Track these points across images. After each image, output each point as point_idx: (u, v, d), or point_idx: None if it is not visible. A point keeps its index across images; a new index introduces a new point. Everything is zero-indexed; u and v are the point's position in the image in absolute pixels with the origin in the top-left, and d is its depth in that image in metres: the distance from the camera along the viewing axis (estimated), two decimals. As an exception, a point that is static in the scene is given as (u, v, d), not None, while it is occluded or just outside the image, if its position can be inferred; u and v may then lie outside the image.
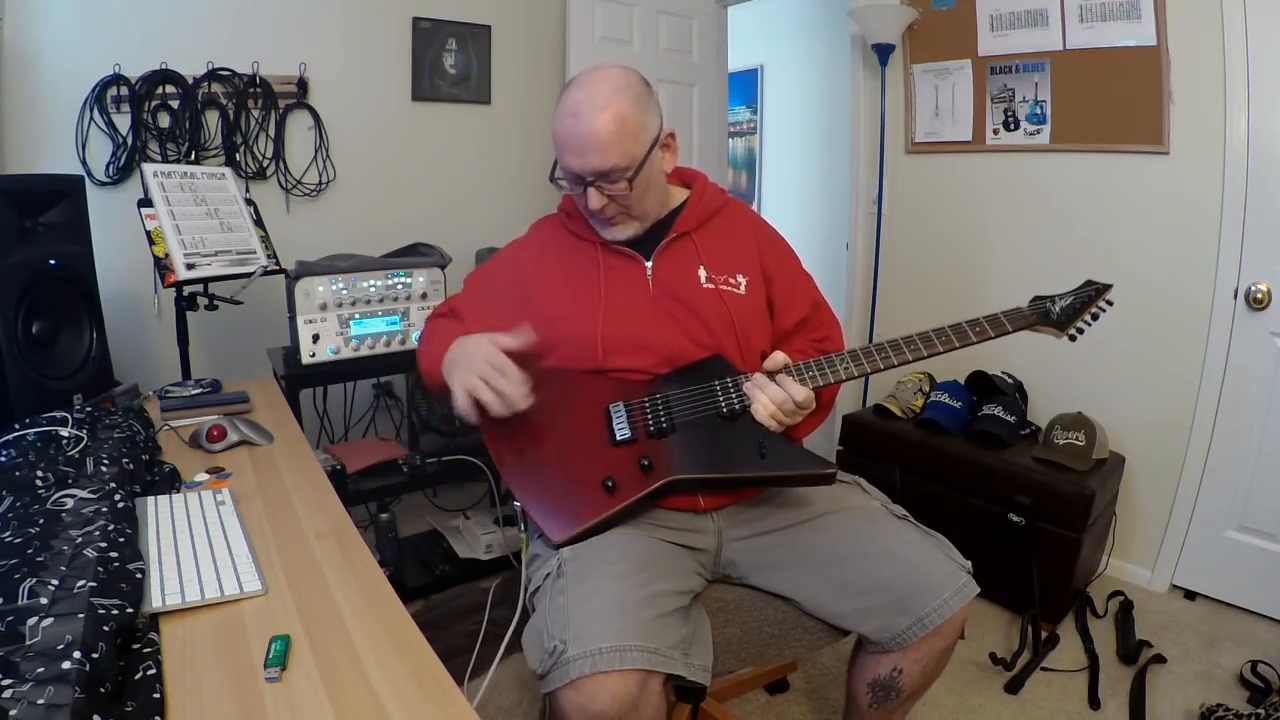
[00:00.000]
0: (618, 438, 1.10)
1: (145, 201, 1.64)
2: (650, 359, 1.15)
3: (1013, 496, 1.96)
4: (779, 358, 1.09)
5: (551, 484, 1.12)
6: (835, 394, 1.22)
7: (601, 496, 1.07)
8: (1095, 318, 1.11)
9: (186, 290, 1.68)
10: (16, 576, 0.69)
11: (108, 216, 1.81)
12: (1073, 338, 1.11)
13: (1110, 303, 1.11)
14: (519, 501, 1.14)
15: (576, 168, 1.09)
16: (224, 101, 2.28)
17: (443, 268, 2.10)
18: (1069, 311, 1.10)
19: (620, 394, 1.14)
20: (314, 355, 1.90)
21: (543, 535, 1.11)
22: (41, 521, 0.82)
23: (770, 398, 1.06)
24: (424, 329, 1.32)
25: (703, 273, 1.19)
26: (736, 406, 1.09)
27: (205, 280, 1.68)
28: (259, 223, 1.87)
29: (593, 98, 1.07)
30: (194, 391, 1.52)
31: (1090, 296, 1.11)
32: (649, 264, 1.19)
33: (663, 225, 1.22)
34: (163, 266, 1.61)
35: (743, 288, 1.20)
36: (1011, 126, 2.32)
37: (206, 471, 1.14)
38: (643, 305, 1.17)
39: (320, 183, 2.49)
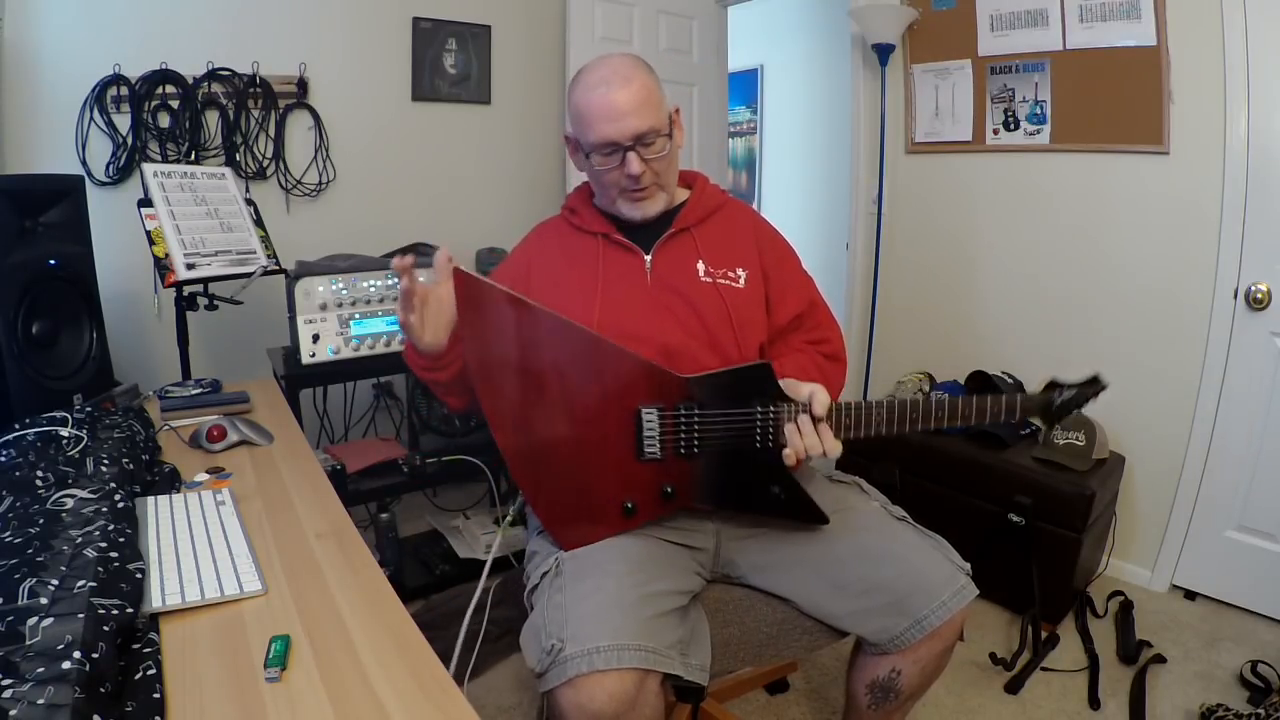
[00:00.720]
0: (645, 454, 1.06)
1: (145, 201, 1.64)
2: (645, 351, 1.15)
3: (1013, 496, 1.96)
4: (824, 400, 1.02)
5: (569, 491, 1.08)
6: (838, 394, 1.23)
7: (619, 519, 1.07)
8: (1080, 407, 1.10)
9: (186, 290, 1.68)
10: (16, 576, 0.69)
11: (108, 216, 1.81)
12: (1050, 426, 1.08)
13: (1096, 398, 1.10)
14: (527, 501, 1.12)
15: (614, 135, 1.10)
16: (224, 101, 2.28)
17: (443, 268, 2.10)
18: (1066, 406, 1.08)
19: (654, 394, 1.05)
20: (314, 355, 1.90)
21: (545, 533, 1.11)
22: (41, 521, 0.82)
23: (807, 448, 1.02)
24: None
25: (701, 266, 1.20)
26: (770, 444, 1.05)
27: (205, 280, 1.68)
28: (259, 223, 1.87)
29: (616, 71, 1.11)
30: (194, 391, 1.52)
31: (1087, 397, 1.09)
32: (648, 257, 1.20)
33: (664, 220, 1.22)
34: (163, 266, 1.61)
35: (742, 281, 1.20)
36: (1011, 126, 2.32)
37: (206, 471, 1.15)
38: (640, 297, 1.18)
39: (320, 183, 2.49)
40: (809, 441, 1.02)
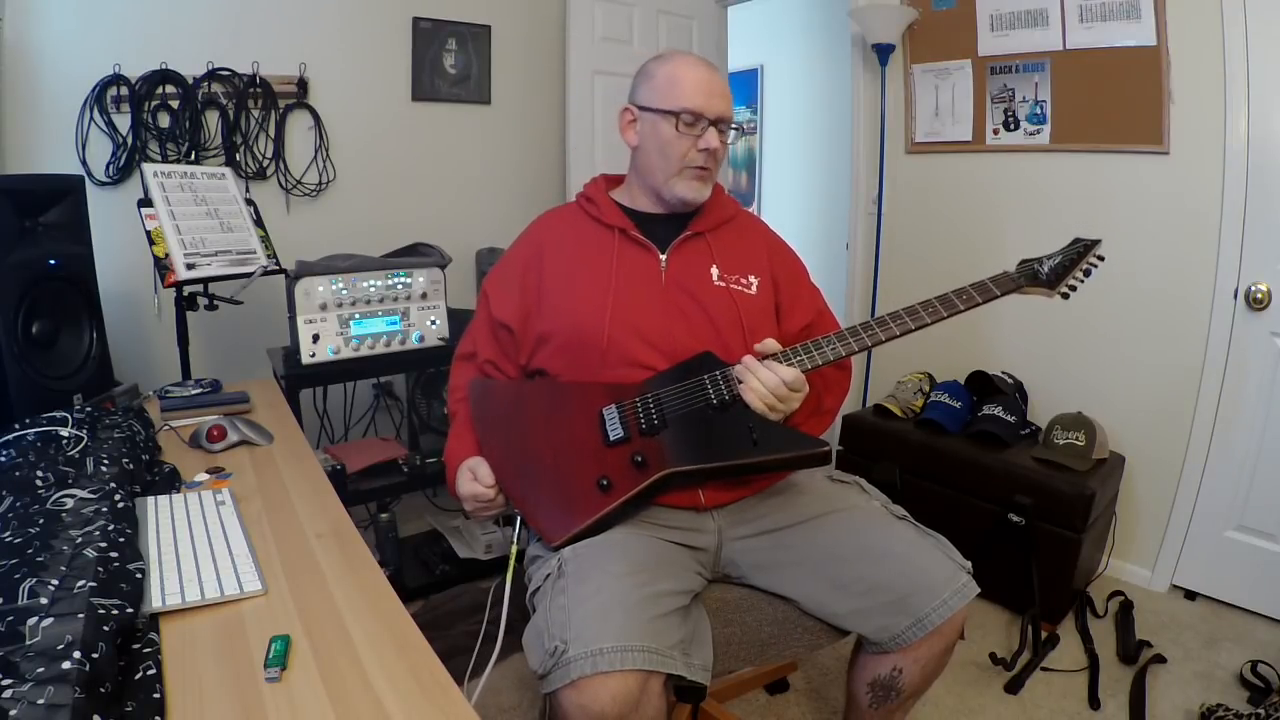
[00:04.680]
0: (611, 438, 1.11)
1: (145, 201, 1.64)
2: (652, 353, 1.15)
3: (1013, 496, 1.96)
4: (770, 342, 1.10)
5: (547, 488, 1.12)
6: (841, 400, 1.26)
7: (597, 496, 1.08)
8: (1087, 274, 1.10)
9: (186, 290, 1.68)
10: (16, 576, 0.69)
11: (108, 216, 1.81)
12: (1065, 295, 1.10)
13: (1101, 258, 1.10)
14: (517, 510, 1.14)
15: (705, 107, 1.16)
16: (224, 101, 2.28)
17: (443, 268, 2.10)
18: (1058, 270, 1.10)
19: (612, 397, 1.14)
20: (314, 355, 1.90)
21: (541, 539, 1.11)
22: (41, 521, 0.82)
23: (761, 380, 1.07)
24: (450, 379, 1.34)
25: (715, 271, 1.21)
26: (726, 396, 1.09)
27: (205, 280, 1.68)
28: (259, 223, 1.87)
29: (710, 63, 1.21)
30: (194, 391, 1.52)
31: (1079, 253, 1.10)
32: (663, 257, 1.21)
33: (678, 222, 1.23)
34: (163, 266, 1.61)
35: (754, 288, 1.22)
36: (1011, 126, 2.32)
37: (206, 471, 1.15)
38: (653, 296, 1.18)
39: (320, 183, 2.49)
40: (762, 375, 1.06)
